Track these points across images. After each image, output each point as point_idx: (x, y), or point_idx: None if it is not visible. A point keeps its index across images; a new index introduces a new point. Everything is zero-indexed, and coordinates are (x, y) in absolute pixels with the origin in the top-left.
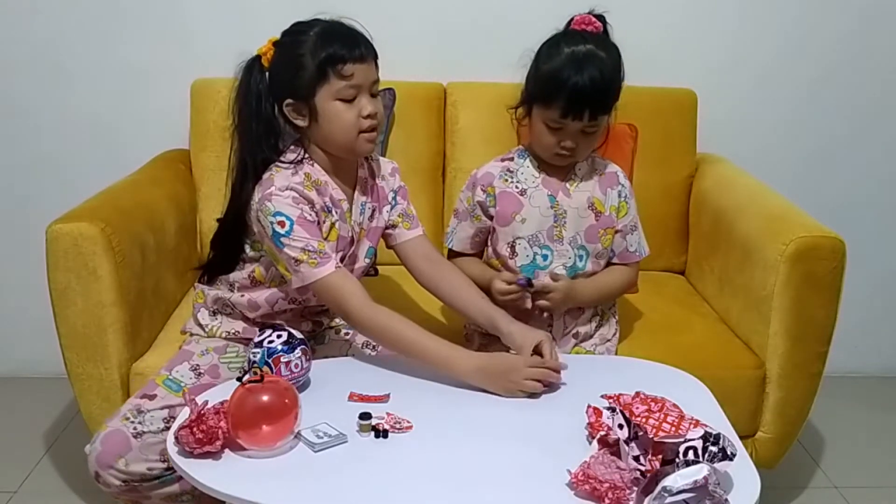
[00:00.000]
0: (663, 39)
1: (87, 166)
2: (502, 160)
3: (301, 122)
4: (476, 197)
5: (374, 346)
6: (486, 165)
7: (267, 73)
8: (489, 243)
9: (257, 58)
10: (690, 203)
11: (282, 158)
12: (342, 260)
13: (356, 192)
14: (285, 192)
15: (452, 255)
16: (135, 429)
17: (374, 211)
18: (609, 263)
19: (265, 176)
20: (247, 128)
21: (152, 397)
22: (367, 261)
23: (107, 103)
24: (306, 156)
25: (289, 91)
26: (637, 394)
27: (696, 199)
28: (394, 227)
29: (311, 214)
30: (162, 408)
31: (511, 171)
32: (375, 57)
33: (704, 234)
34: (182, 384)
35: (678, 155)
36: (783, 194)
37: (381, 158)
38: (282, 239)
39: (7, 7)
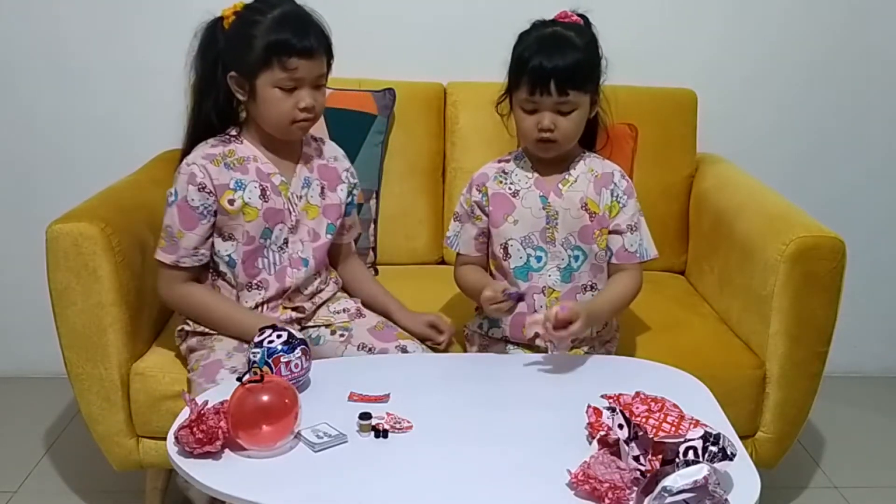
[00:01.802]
0: (663, 39)
1: (88, 166)
2: (499, 161)
3: (241, 96)
4: (473, 197)
5: (370, 348)
6: (484, 167)
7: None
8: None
9: (220, 19)
10: (690, 203)
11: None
12: (287, 231)
13: (299, 165)
14: (189, 166)
15: (461, 259)
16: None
17: (323, 188)
18: (609, 264)
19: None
20: (202, 88)
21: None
22: (328, 237)
23: (107, 103)
24: (236, 135)
25: (235, 64)
26: (637, 394)
27: (695, 198)
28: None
29: (196, 198)
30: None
31: (506, 173)
32: (327, 50)
33: (704, 234)
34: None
35: (678, 155)
36: (783, 194)
37: (329, 142)
38: (166, 209)
39: (7, 6)
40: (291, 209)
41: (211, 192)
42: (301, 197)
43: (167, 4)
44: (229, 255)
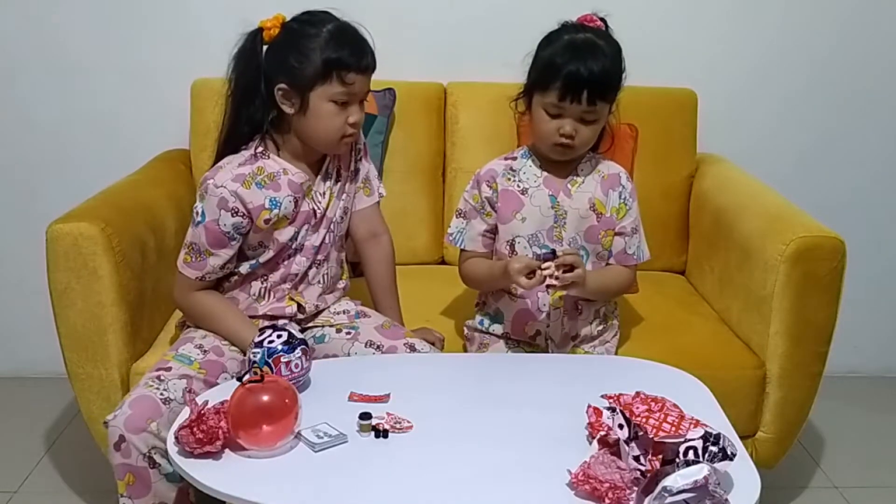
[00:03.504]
0: (663, 39)
1: (88, 166)
2: (506, 159)
3: (288, 109)
4: (483, 193)
5: (377, 346)
6: (490, 164)
7: (265, 47)
8: None
9: (260, 29)
10: (690, 203)
11: (245, 147)
12: (310, 229)
13: (329, 162)
14: (219, 188)
15: (465, 255)
16: (162, 394)
17: (338, 171)
18: (605, 264)
19: (223, 160)
20: (242, 97)
21: (168, 369)
22: (340, 218)
23: (107, 103)
24: (263, 150)
25: (286, 76)
26: (637, 394)
27: (696, 198)
28: (355, 192)
29: (228, 223)
30: (180, 377)
31: (514, 170)
32: (375, 69)
33: (704, 234)
34: (192, 359)
35: (678, 155)
36: (784, 194)
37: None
38: (191, 225)
39: (7, 6)
40: (317, 207)
41: (245, 214)
42: (325, 193)
43: (167, 4)
44: (256, 260)
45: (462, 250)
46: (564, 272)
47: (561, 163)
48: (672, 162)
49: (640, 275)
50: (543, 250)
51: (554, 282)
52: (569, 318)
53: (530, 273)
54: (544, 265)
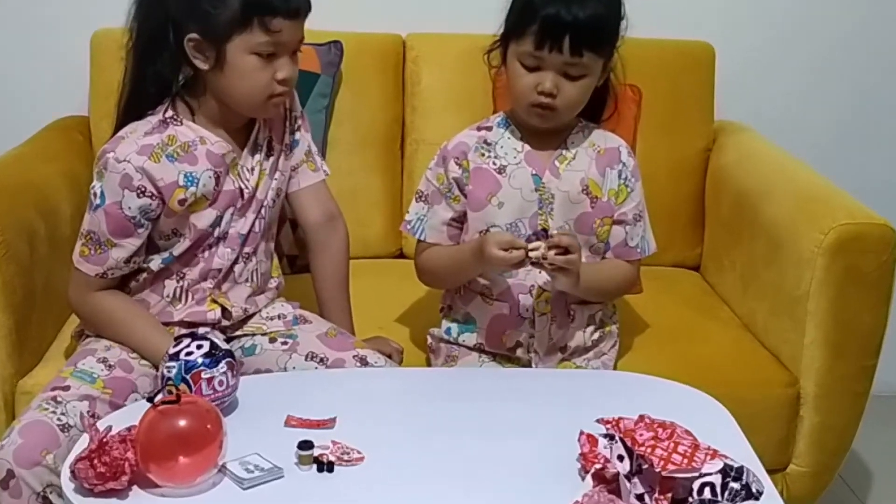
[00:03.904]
0: None
1: None
2: (479, 129)
3: (202, 64)
4: (450, 172)
5: (321, 359)
6: (459, 135)
7: None
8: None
9: None
10: (707, 182)
11: (152, 112)
12: (235, 213)
13: (253, 133)
14: (121, 164)
15: (423, 247)
16: (59, 420)
17: (269, 143)
18: (602, 258)
19: (126, 128)
20: (144, 52)
21: (66, 388)
22: (272, 200)
23: None
24: (174, 116)
25: (197, 24)
26: (641, 417)
27: (713, 177)
28: (295, 168)
29: (133, 206)
30: (81, 398)
31: (488, 144)
32: (308, 12)
33: (724, 221)
34: (95, 375)
35: (691, 123)
36: (820, 171)
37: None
38: (88, 210)
39: None
40: (244, 186)
41: (154, 195)
42: (253, 169)
43: None
44: (169, 252)
45: (420, 241)
46: (557, 255)
47: (546, 134)
48: (684, 132)
49: (645, 271)
50: (531, 232)
51: (542, 261)
52: (557, 324)
53: (511, 249)
54: (532, 244)
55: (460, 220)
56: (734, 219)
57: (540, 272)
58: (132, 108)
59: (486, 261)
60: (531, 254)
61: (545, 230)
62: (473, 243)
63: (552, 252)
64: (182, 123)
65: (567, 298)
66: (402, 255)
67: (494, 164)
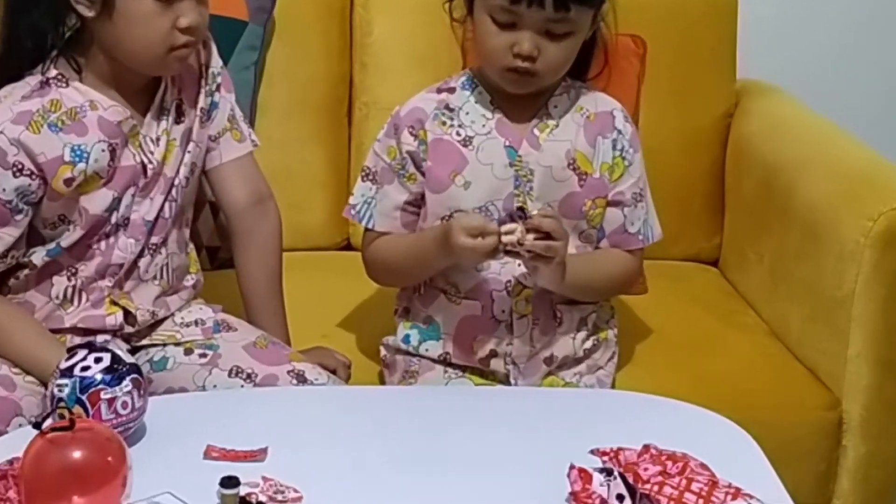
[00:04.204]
0: None
1: None
2: (439, 91)
3: (86, 11)
4: (404, 145)
5: (248, 375)
6: (414, 99)
7: None
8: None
9: None
10: (727, 157)
11: (30, 72)
12: (138, 193)
13: (158, 95)
14: None
15: (372, 237)
16: None
17: (180, 106)
18: (596, 248)
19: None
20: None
21: None
22: (185, 178)
23: None
24: (58, 76)
25: None
26: (646, 448)
27: (735, 149)
28: (216, 137)
29: (9, 187)
30: None
31: (451, 109)
32: None
33: (748, 204)
34: None
35: (708, 83)
36: (866, 141)
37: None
38: None
39: None
40: (147, 160)
41: (34, 173)
42: (160, 139)
43: None
44: (56, 243)
45: (368, 230)
46: (536, 241)
47: (522, 97)
48: (699, 94)
49: (650, 266)
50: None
51: (518, 248)
52: (540, 329)
53: (482, 235)
54: (506, 227)
55: (417, 204)
56: (761, 201)
57: (518, 263)
58: (5, 67)
59: (453, 252)
60: (504, 238)
61: (522, 210)
62: (436, 230)
63: (530, 236)
64: (68, 85)
65: (552, 297)
66: (349, 247)
67: (458, 134)
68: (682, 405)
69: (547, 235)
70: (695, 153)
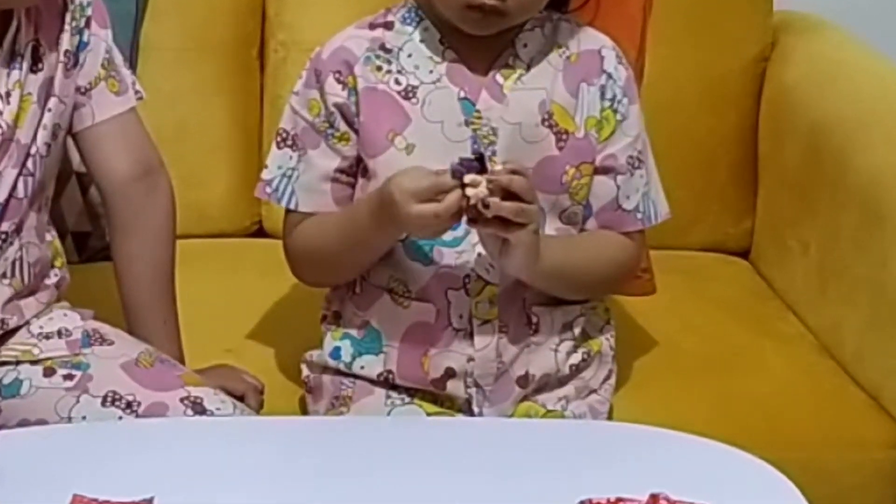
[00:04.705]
0: None
1: None
2: (371, 27)
3: None
4: (330, 96)
5: (128, 403)
6: (339, 37)
7: None
8: None
9: None
10: (761, 113)
11: None
12: None
13: (15, 32)
14: None
15: (295, 220)
16: None
17: (36, 50)
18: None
19: None
20: None
21: None
22: (45, 143)
23: None
24: None
25: None
26: (654, 499)
27: (772, 104)
28: (87, 89)
29: None
30: None
31: (388, 50)
32: None
33: (789, 176)
34: None
35: (736, 15)
36: None
37: None
38: None
39: None
40: (4, 128)
41: None
42: (9, 95)
43: None
44: None
45: (290, 211)
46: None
47: (483, 35)
48: (724, 30)
49: (660, 257)
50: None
51: (481, 209)
52: (511, 339)
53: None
54: (470, 177)
55: (353, 172)
56: (806, 172)
57: (475, 244)
58: None
59: (399, 226)
60: (470, 192)
61: (480, 156)
62: (371, 201)
63: (495, 199)
64: None
65: (525, 296)
66: (261, 232)
67: (398, 82)
68: (701, 441)
69: (516, 197)
70: (719, 109)
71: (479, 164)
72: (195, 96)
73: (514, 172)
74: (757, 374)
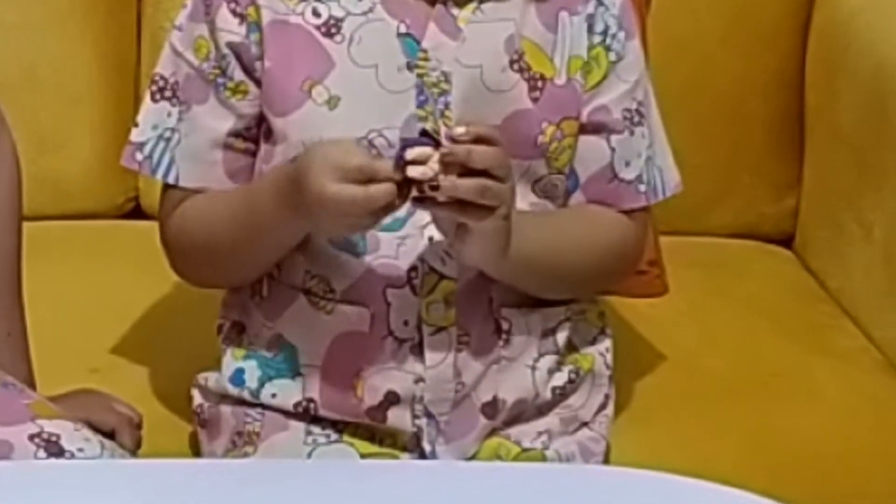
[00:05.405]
0: None
1: None
2: None
3: None
4: (223, 33)
5: (57, 439)
6: None
7: None
8: None
9: None
10: (808, 56)
11: None
12: None
13: None
14: None
15: (176, 198)
16: None
17: None
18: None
19: None
20: None
21: None
22: None
23: None
24: None
25: None
26: None
27: (821, 44)
28: None
29: None
30: None
31: None
32: None
33: (845, 139)
34: None
35: None
36: None
37: None
38: None
39: None
40: None
41: None
42: None
43: None
44: None
45: (168, 187)
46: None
47: None
48: None
49: (673, 245)
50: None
51: (433, 193)
52: (473, 352)
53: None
54: (415, 151)
55: (252, 137)
56: (868, 131)
57: (425, 225)
58: None
59: (310, 212)
60: (412, 171)
61: (431, 135)
62: (280, 173)
63: (451, 176)
64: None
65: (492, 294)
66: (138, 213)
67: (317, 13)
68: (728, 493)
69: (481, 173)
70: (751, 47)
71: (430, 139)
72: (48, 32)
73: (478, 140)
74: (803, 404)
